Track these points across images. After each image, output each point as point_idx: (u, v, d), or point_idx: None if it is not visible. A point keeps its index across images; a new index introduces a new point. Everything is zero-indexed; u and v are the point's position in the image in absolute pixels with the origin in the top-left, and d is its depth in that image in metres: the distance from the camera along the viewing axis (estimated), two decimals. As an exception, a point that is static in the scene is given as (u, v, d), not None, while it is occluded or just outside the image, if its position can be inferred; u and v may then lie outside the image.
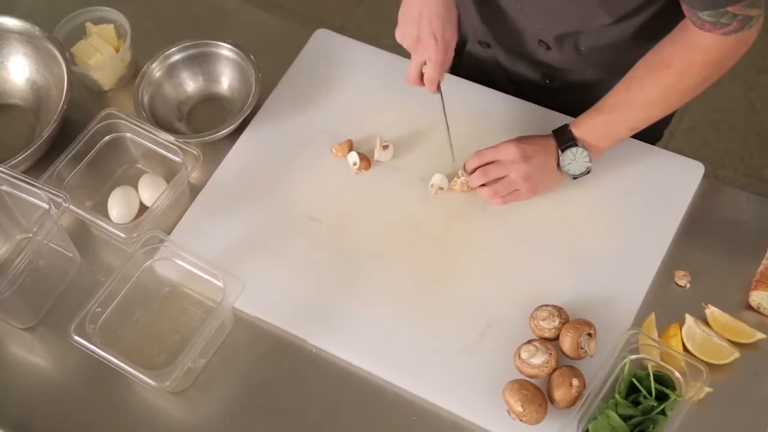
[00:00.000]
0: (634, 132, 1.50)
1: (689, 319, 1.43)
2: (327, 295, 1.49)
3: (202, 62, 1.70)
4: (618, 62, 1.50)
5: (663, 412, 1.32)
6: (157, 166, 1.62)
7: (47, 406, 1.47)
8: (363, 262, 1.52)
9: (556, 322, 1.41)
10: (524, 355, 1.38)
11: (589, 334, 1.39)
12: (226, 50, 1.69)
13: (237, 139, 1.65)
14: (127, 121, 1.58)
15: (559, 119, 1.59)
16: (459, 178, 1.55)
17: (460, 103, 1.59)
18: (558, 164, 1.51)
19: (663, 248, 1.50)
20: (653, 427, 1.32)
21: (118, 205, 1.57)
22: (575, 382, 1.36)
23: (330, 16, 3.06)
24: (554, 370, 1.38)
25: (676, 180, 1.56)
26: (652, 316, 1.44)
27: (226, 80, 1.71)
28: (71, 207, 1.47)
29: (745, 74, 2.87)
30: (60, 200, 1.46)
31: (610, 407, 1.33)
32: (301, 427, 1.42)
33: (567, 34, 1.54)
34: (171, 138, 1.57)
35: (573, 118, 1.52)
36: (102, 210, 1.58)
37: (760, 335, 1.42)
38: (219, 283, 1.42)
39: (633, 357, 1.38)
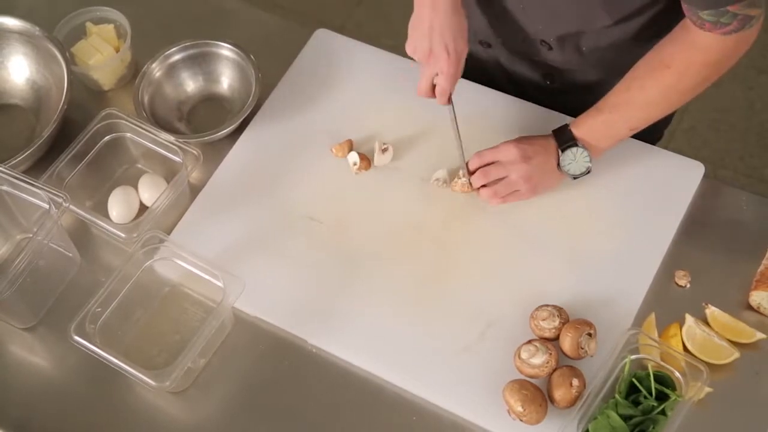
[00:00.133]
0: (634, 132, 1.50)
1: (689, 319, 1.43)
2: (327, 295, 1.49)
3: (202, 62, 1.70)
4: (618, 63, 1.50)
5: (663, 412, 1.32)
6: (157, 166, 1.62)
7: (47, 406, 1.47)
8: (363, 262, 1.52)
9: (556, 322, 1.41)
10: (524, 355, 1.38)
11: (589, 334, 1.39)
12: (226, 50, 1.69)
13: (237, 139, 1.65)
14: (127, 121, 1.58)
15: (559, 119, 1.59)
16: (459, 179, 1.56)
17: (460, 103, 1.59)
18: (558, 164, 1.51)
19: (663, 248, 1.50)
20: (653, 427, 1.32)
21: (118, 205, 1.57)
22: (575, 382, 1.36)
23: (330, 16, 3.06)
24: (554, 370, 1.38)
25: (676, 180, 1.56)
26: (652, 316, 1.44)
27: (226, 80, 1.71)
28: (71, 207, 1.47)
29: (745, 74, 2.87)
30: (60, 200, 1.45)
31: (611, 407, 1.33)
32: (301, 427, 1.42)
33: (569, 35, 1.54)
34: (171, 138, 1.57)
35: (573, 118, 1.52)
36: (102, 210, 1.58)
37: (760, 335, 1.42)
38: (219, 283, 1.42)
39: (633, 357, 1.38)
